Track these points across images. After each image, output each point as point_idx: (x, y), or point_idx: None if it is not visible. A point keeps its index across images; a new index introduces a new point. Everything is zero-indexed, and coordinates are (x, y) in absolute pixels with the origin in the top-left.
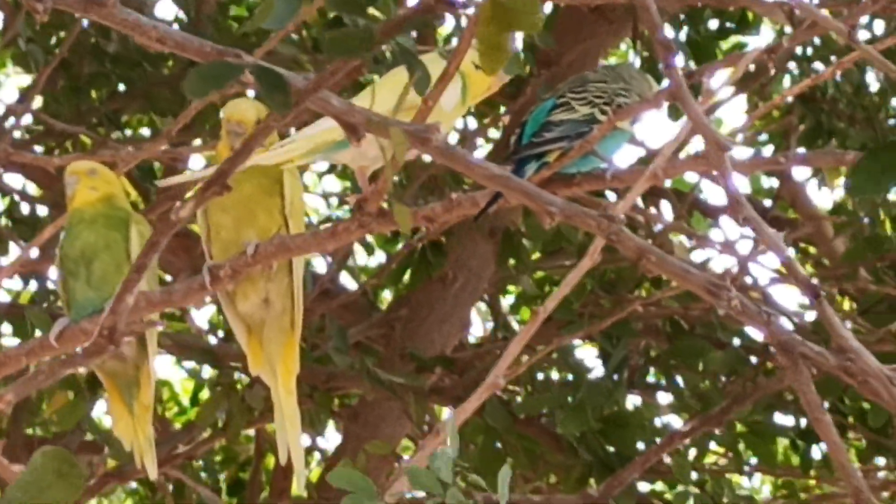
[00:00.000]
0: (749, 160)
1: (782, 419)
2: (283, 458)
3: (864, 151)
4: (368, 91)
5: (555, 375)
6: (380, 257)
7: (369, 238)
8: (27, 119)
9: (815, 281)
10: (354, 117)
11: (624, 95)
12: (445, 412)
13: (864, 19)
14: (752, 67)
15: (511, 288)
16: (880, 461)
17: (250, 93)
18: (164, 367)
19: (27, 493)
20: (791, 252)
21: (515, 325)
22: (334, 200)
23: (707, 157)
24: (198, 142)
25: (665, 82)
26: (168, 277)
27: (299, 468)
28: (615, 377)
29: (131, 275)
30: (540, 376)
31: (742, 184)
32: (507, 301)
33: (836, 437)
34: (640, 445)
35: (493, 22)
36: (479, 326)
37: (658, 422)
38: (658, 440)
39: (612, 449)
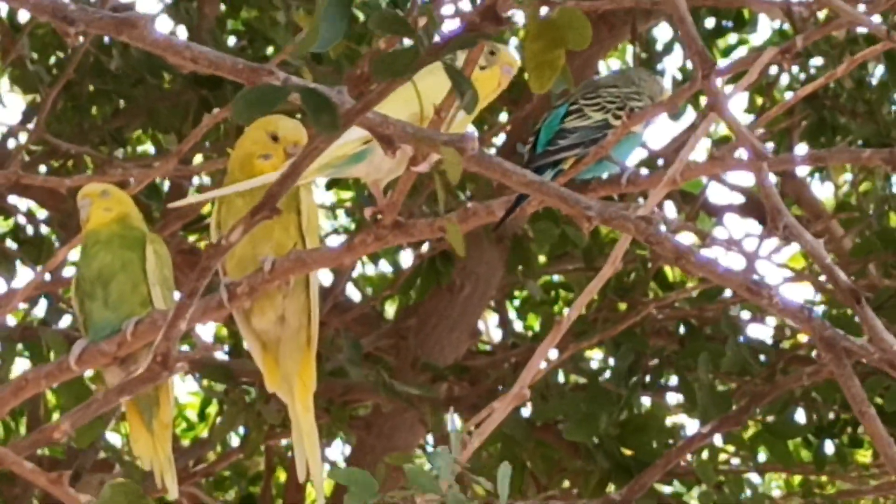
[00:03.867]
0: (779, 158)
1: (796, 417)
2: (302, 474)
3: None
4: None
5: (562, 377)
6: (382, 265)
7: None
8: (24, 137)
9: (854, 286)
10: (388, 129)
11: (636, 99)
12: (448, 419)
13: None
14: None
15: (517, 293)
16: None
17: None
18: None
19: None
20: (796, 248)
21: (519, 327)
22: (339, 212)
23: (723, 160)
24: (198, 158)
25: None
26: (176, 295)
27: (319, 484)
28: (628, 382)
29: (184, 300)
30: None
31: (746, 181)
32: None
33: (882, 431)
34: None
35: (541, 39)
36: (487, 331)
37: (668, 421)
38: (671, 441)
39: (628, 452)
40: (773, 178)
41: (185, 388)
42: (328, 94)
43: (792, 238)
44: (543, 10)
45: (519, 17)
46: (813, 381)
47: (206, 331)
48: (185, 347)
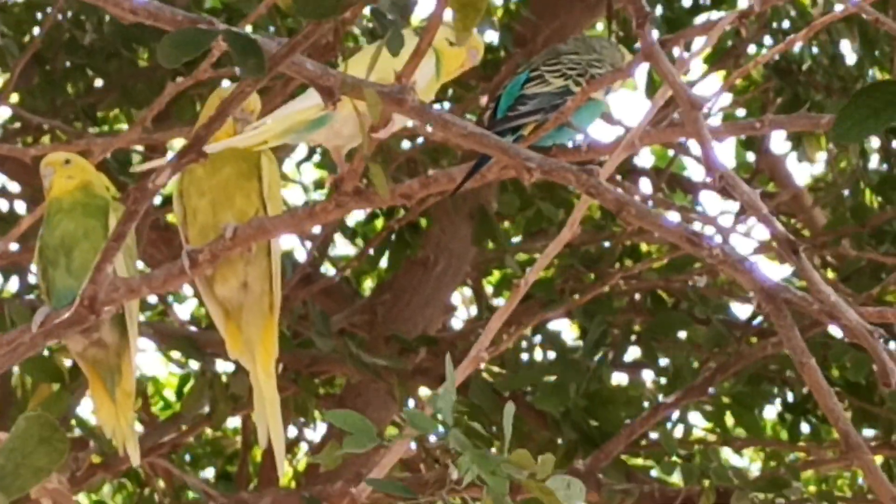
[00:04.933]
0: (725, 125)
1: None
2: (263, 441)
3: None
4: (341, 67)
5: (539, 356)
6: (361, 245)
7: (350, 223)
8: (3, 114)
9: (791, 237)
10: (329, 80)
11: (597, 66)
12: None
13: None
14: (726, 28)
15: (496, 273)
16: (868, 433)
17: (225, 83)
18: (150, 362)
19: (11, 459)
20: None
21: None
22: (314, 191)
23: (683, 124)
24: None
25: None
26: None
27: (279, 450)
28: (596, 355)
29: (109, 244)
30: (525, 357)
31: (724, 157)
32: (490, 284)
33: (822, 382)
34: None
35: None
36: (463, 311)
37: (645, 404)
38: (638, 413)
39: (596, 424)
40: (751, 157)
41: (166, 370)
42: (254, 37)
43: (728, 188)
44: None
45: None
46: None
47: (184, 309)
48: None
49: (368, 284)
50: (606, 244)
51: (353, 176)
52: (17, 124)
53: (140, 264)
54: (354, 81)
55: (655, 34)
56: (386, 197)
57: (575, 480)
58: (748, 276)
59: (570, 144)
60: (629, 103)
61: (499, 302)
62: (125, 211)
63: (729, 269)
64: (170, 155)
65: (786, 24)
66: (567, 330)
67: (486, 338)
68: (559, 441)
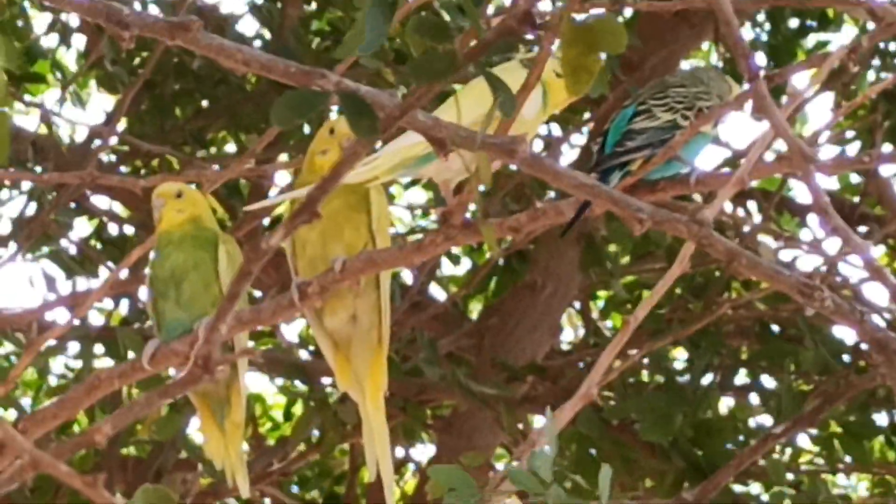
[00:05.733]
0: (833, 161)
1: (877, 418)
2: (373, 473)
3: None
4: (452, 102)
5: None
6: (466, 265)
7: (455, 248)
8: (112, 140)
9: None
10: (441, 132)
11: (704, 99)
12: (537, 420)
13: None
14: (835, 65)
15: (601, 293)
16: None
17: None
18: (257, 382)
19: None
20: (881, 249)
21: (607, 332)
22: (419, 211)
23: (791, 160)
24: (283, 157)
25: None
26: (257, 293)
27: (388, 483)
28: (704, 382)
29: (224, 304)
30: (631, 379)
31: (829, 181)
32: (597, 306)
33: None
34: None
35: (576, 44)
36: (569, 332)
37: (752, 422)
38: (746, 441)
39: (703, 453)
40: (856, 178)
41: (272, 389)
42: (377, 99)
43: (841, 239)
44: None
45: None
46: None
47: (292, 330)
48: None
49: (475, 306)
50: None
51: (461, 209)
52: (125, 147)
53: None
54: (467, 134)
55: (764, 75)
56: (496, 251)
57: None
58: (860, 327)
59: (678, 176)
60: (735, 121)
61: (605, 323)
62: (239, 271)
63: (841, 320)
64: (275, 181)
65: (893, 45)
66: (678, 354)
67: (596, 373)
68: (667, 470)
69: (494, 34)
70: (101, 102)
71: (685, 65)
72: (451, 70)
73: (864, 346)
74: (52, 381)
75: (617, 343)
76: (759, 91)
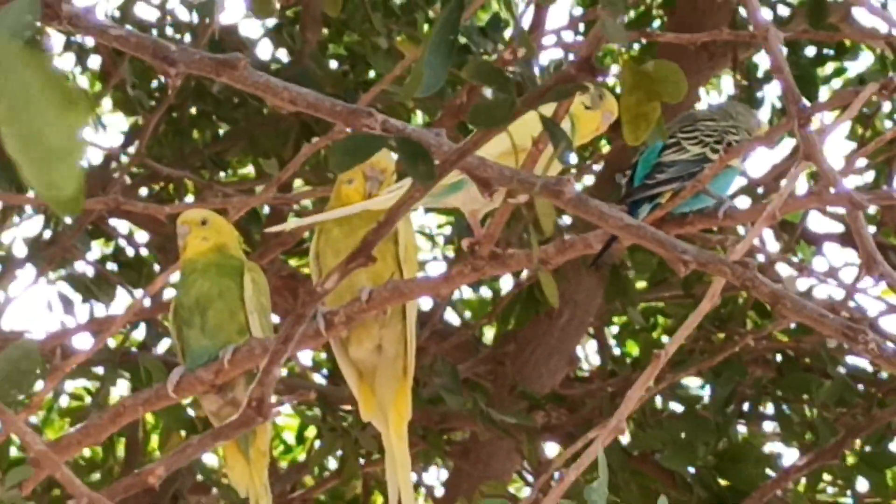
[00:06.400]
0: (871, 195)
1: (893, 447)
2: (394, 502)
3: None
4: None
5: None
6: (481, 290)
7: None
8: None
9: None
10: (487, 172)
11: (733, 133)
12: (549, 447)
13: None
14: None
15: (615, 319)
16: None
17: None
18: None
19: None
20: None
21: (617, 351)
22: (439, 240)
23: (820, 195)
24: (298, 182)
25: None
26: (275, 318)
27: None
28: (725, 412)
29: (278, 346)
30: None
31: (842, 209)
32: (611, 332)
33: None
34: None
35: (637, 91)
36: (580, 354)
37: (765, 448)
38: (768, 469)
39: (724, 483)
40: (872, 209)
41: (282, 410)
42: (425, 140)
43: (890, 288)
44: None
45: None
46: None
47: (304, 354)
48: (283, 371)
49: (490, 332)
50: (732, 302)
51: (488, 240)
52: (142, 170)
53: None
54: (513, 174)
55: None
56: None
57: None
58: None
59: (706, 209)
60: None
61: (617, 348)
62: (294, 314)
63: (885, 364)
64: (295, 206)
65: None
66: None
67: (625, 408)
68: (687, 501)
69: (554, 81)
70: (115, 123)
71: (703, 92)
72: (510, 117)
73: (882, 377)
74: (64, 400)
75: (646, 378)
76: (810, 138)
